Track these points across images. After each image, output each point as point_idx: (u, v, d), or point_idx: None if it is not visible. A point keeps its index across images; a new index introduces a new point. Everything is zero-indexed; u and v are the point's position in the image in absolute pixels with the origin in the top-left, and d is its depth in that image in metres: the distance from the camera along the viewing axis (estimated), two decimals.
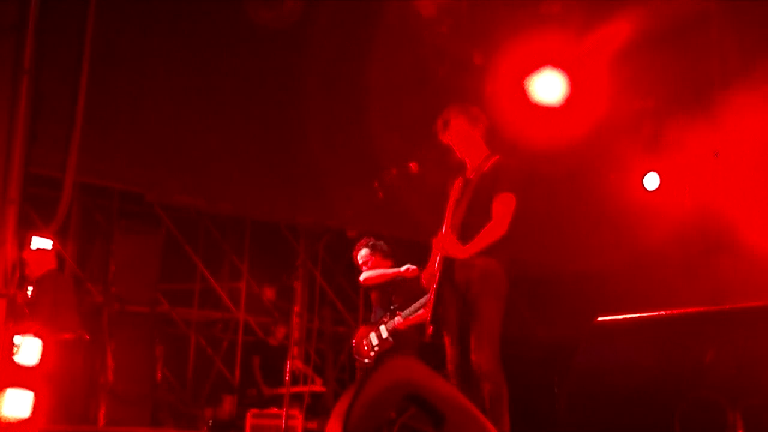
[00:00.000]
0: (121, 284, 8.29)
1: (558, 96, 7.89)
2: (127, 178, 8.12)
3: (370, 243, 6.55)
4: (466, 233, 4.57)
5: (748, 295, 5.35)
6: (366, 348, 6.33)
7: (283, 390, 7.09)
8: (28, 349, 4.03)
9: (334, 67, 8.19)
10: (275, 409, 7.30)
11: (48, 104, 3.94)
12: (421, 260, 4.90)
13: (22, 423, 3.90)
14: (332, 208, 8.43)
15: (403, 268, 6.35)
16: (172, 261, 9.14)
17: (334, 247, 6.60)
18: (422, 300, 6.01)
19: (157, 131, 7.85)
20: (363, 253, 6.52)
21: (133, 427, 7.53)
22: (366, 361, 6.34)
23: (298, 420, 7.14)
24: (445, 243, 4.56)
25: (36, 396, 3.97)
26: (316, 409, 8.26)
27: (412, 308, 6.14)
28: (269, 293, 10.21)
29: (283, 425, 5.75)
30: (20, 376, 3.96)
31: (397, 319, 6.17)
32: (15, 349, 3.99)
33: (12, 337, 3.92)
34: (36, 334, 4.07)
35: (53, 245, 6.78)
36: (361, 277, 6.58)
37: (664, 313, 4.04)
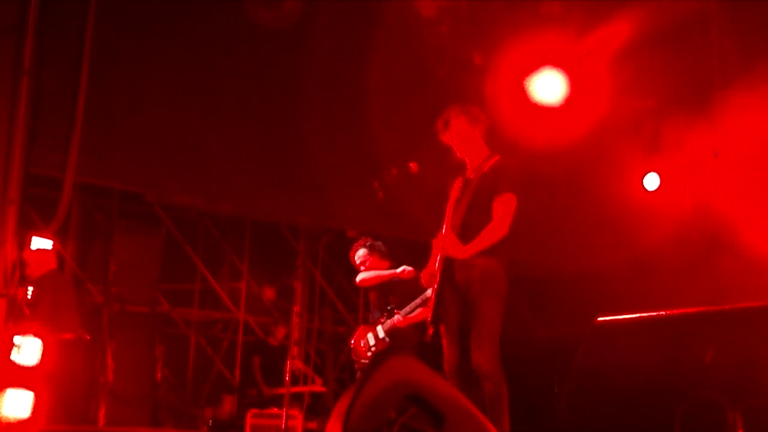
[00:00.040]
0: (121, 284, 8.29)
1: (558, 96, 7.89)
2: (127, 178, 8.12)
3: (368, 243, 6.55)
4: (466, 233, 4.57)
5: (748, 295, 5.35)
6: (363, 348, 6.33)
7: (283, 390, 7.09)
8: (28, 349, 4.03)
9: (334, 67, 8.19)
10: (275, 409, 7.30)
11: (48, 104, 3.94)
12: (421, 260, 4.90)
13: (22, 423, 3.90)
14: (332, 208, 8.44)
15: (399, 270, 6.35)
16: (172, 261, 9.14)
17: (334, 247, 6.61)
18: (421, 298, 6.01)
19: (157, 131, 7.85)
20: (360, 254, 6.52)
21: (133, 427, 7.52)
22: (363, 361, 6.34)
23: (298, 420, 7.14)
24: (445, 243, 4.56)
25: (36, 396, 3.97)
26: (316, 409, 8.27)
27: (410, 306, 6.13)
28: (269, 293, 10.21)
29: (283, 425, 5.75)
30: (20, 376, 3.96)
31: (396, 318, 6.17)
32: (15, 349, 4.00)
33: (12, 337, 3.93)
34: (36, 334, 4.07)
35: (53, 245, 6.78)
36: (358, 278, 6.58)
37: (664, 313, 4.04)
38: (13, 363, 3.96)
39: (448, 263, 4.60)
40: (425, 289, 5.93)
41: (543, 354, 8.30)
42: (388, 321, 6.23)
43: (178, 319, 9.63)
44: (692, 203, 8.02)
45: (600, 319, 4.22)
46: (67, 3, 4.08)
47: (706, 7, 7.40)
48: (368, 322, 6.57)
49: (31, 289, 6.37)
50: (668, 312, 4.02)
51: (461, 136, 4.78)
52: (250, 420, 7.16)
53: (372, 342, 6.28)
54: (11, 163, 3.75)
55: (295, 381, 8.41)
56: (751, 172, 7.42)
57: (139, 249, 8.57)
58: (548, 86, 7.88)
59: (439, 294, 4.60)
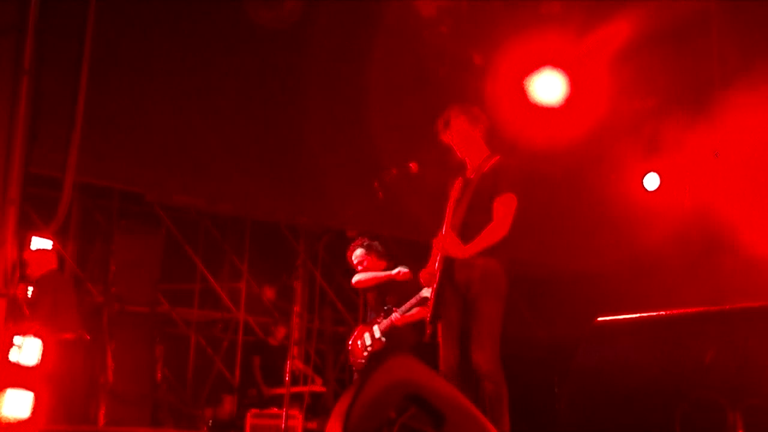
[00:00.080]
0: (121, 284, 8.29)
1: (558, 96, 7.89)
2: (127, 178, 8.12)
3: (365, 243, 6.53)
4: (466, 233, 4.57)
5: (748, 295, 5.35)
6: (360, 349, 6.33)
7: (283, 390, 7.09)
8: (28, 349, 4.03)
9: (334, 68, 8.19)
10: (275, 409, 7.30)
11: (48, 104, 3.94)
12: (421, 260, 4.90)
13: (22, 423, 3.90)
14: (332, 208, 8.44)
15: (394, 271, 6.34)
16: (172, 261, 9.14)
17: (334, 247, 6.61)
18: (417, 297, 6.01)
19: (157, 131, 7.85)
20: (358, 253, 6.51)
21: (133, 427, 7.52)
22: (360, 361, 6.34)
23: (298, 420, 7.14)
24: (445, 243, 4.56)
25: (36, 396, 3.97)
26: (316, 409, 8.27)
27: (408, 305, 6.13)
28: (269, 293, 10.21)
29: (283, 425, 5.75)
30: (20, 376, 3.96)
31: (394, 316, 6.16)
32: (15, 348, 4.00)
33: (12, 337, 3.93)
34: (36, 334, 4.07)
35: (53, 245, 6.78)
36: (353, 280, 6.58)
37: (664, 313, 4.04)
38: (13, 363, 3.96)
39: (448, 263, 4.60)
40: (423, 290, 5.95)
41: (543, 354, 8.30)
42: (385, 321, 6.22)
43: (178, 319, 9.64)
44: (692, 203, 8.01)
45: (600, 319, 4.21)
46: (67, 3, 4.07)
47: (706, 7, 7.40)
48: (366, 322, 6.57)
49: (31, 289, 6.37)
50: (668, 312, 4.02)
51: (461, 136, 4.78)
52: (250, 420, 7.16)
53: (368, 342, 6.28)
54: (11, 163, 3.75)
55: (295, 381, 8.41)
56: (751, 172, 7.42)
57: (139, 249, 8.56)
58: (548, 86, 7.88)
59: (438, 294, 4.60)
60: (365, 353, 6.27)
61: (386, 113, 8.16)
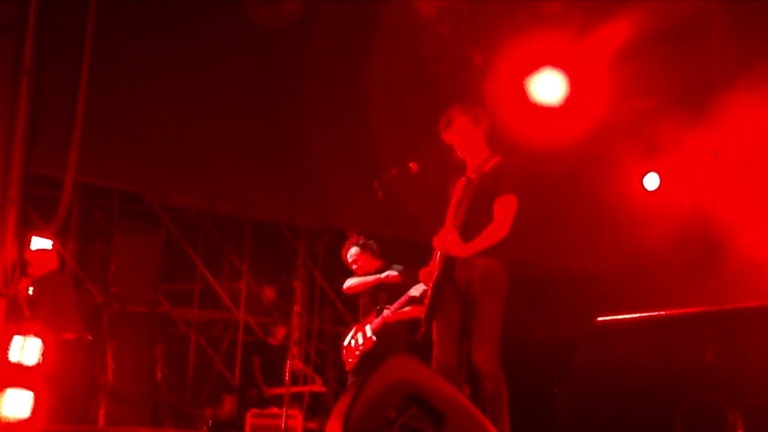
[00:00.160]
0: (121, 284, 8.29)
1: (558, 96, 7.89)
2: (127, 178, 8.13)
3: (361, 242, 6.52)
4: (466, 233, 4.57)
5: (748, 295, 5.35)
6: (353, 348, 6.34)
7: (283, 390, 7.09)
8: (28, 349, 4.03)
9: (334, 67, 8.20)
10: (275, 409, 7.31)
11: (48, 104, 3.94)
12: (421, 260, 4.90)
13: (22, 423, 3.89)
14: (332, 208, 8.44)
15: (383, 275, 6.34)
16: (172, 261, 9.13)
17: (334, 247, 6.60)
18: (407, 295, 6.01)
19: (157, 131, 7.86)
20: (352, 252, 6.49)
21: (133, 427, 7.52)
22: (350, 360, 6.34)
23: (298, 420, 7.15)
24: (446, 241, 4.56)
25: (36, 396, 3.97)
26: (316, 409, 8.27)
27: (397, 303, 6.13)
28: (269, 293, 10.20)
29: (283, 425, 5.75)
30: (20, 376, 3.96)
31: (386, 313, 6.17)
32: (15, 349, 4.00)
33: (12, 337, 3.93)
34: (36, 334, 4.07)
35: (53, 245, 6.78)
36: (344, 286, 6.58)
37: (664, 313, 4.04)
38: (13, 363, 3.96)
39: (449, 262, 4.60)
40: (411, 288, 5.97)
41: (543, 354, 8.31)
42: (377, 319, 6.23)
43: (178, 319, 9.63)
44: (692, 203, 8.02)
45: (600, 319, 4.21)
46: (67, 3, 4.08)
47: (706, 7, 7.40)
48: (360, 322, 6.58)
49: (31, 288, 6.37)
50: (668, 312, 4.02)
51: (463, 136, 4.78)
52: (250, 420, 7.16)
53: (360, 341, 6.28)
54: (11, 163, 3.75)
55: (295, 381, 8.41)
56: (751, 172, 7.42)
57: (139, 249, 8.56)
58: (548, 86, 7.88)
59: (435, 292, 4.60)
60: (357, 353, 6.28)
61: (386, 113, 8.16)
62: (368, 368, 2.82)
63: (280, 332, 8.87)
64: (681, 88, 8.00)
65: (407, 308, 6.12)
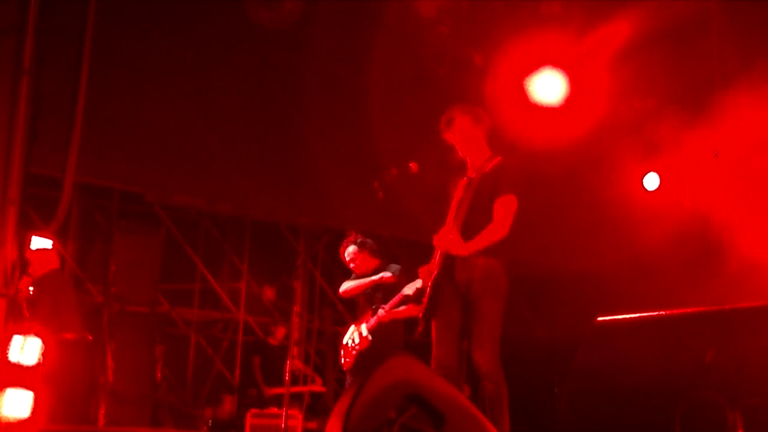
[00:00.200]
0: (121, 284, 8.29)
1: (558, 96, 7.89)
2: (127, 178, 8.13)
3: (358, 240, 6.51)
4: (467, 233, 4.57)
5: (748, 295, 5.35)
6: (350, 348, 6.35)
7: (283, 390, 7.09)
8: (28, 349, 4.03)
9: (334, 67, 8.20)
10: (275, 409, 7.31)
11: (48, 104, 3.94)
12: (421, 260, 4.90)
13: (22, 423, 3.89)
14: (332, 208, 8.44)
15: (377, 277, 6.34)
16: (172, 261, 9.13)
17: (334, 247, 6.60)
18: (401, 294, 6.02)
19: (157, 131, 7.86)
20: (350, 250, 6.49)
21: (133, 427, 7.52)
22: (346, 360, 6.34)
23: (298, 420, 7.15)
24: (446, 240, 4.56)
25: (36, 396, 3.96)
26: (316, 409, 8.27)
27: (392, 302, 6.14)
28: (269, 293, 10.20)
29: (283, 425, 5.75)
30: (20, 376, 3.96)
31: (380, 312, 6.17)
32: (15, 348, 3.99)
33: (12, 337, 3.93)
34: (36, 334, 4.07)
35: (53, 245, 6.78)
36: (340, 290, 6.58)
37: (664, 313, 4.04)
38: (13, 363, 3.96)
39: (449, 262, 4.60)
40: (405, 287, 5.98)
41: (543, 354, 8.31)
42: (372, 319, 6.23)
43: (178, 319, 9.63)
44: (692, 203, 8.02)
45: (600, 319, 4.21)
46: (67, 3, 4.08)
47: (706, 7, 7.40)
48: (357, 321, 6.58)
49: (32, 288, 6.37)
50: (668, 312, 4.02)
51: (464, 136, 4.78)
52: (250, 420, 7.16)
53: (357, 341, 6.29)
54: (11, 163, 3.75)
55: (295, 381, 8.41)
56: (750, 172, 7.42)
57: (139, 249, 8.56)
58: (548, 86, 7.88)
59: (435, 291, 4.60)
60: (353, 352, 6.29)
61: (386, 113, 8.17)
62: (367, 368, 2.82)
63: (280, 332, 8.87)
64: (681, 88, 8.00)
65: (402, 307, 6.12)
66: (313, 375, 8.79)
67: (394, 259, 6.77)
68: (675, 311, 4.01)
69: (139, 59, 7.53)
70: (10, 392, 3.91)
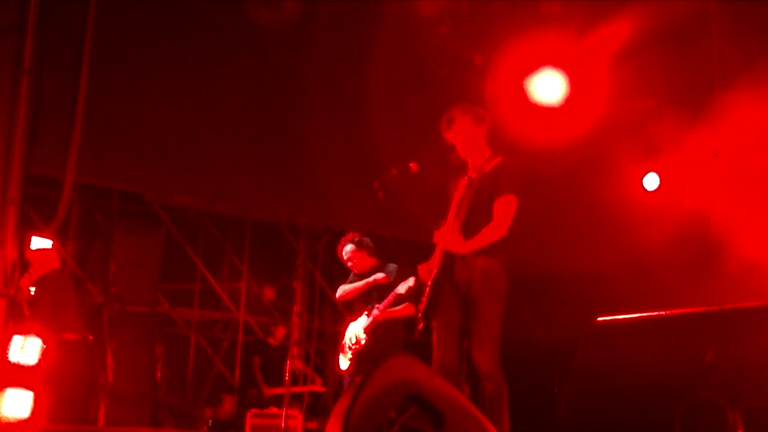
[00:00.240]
0: (121, 284, 8.28)
1: (558, 96, 7.89)
2: (127, 178, 8.13)
3: (356, 239, 6.52)
4: (467, 232, 4.57)
5: (748, 295, 5.35)
6: (347, 348, 6.35)
7: (283, 390, 7.09)
8: (28, 349, 4.03)
9: (334, 67, 8.20)
10: (275, 409, 7.31)
11: (48, 104, 3.94)
12: (421, 260, 4.90)
13: (22, 423, 3.89)
14: (332, 208, 8.44)
15: (371, 278, 6.35)
16: (172, 261, 9.13)
17: (334, 247, 6.60)
18: (395, 293, 6.02)
19: (157, 131, 7.86)
20: (348, 249, 6.50)
21: (133, 427, 7.52)
22: (345, 359, 6.34)
23: (298, 420, 7.15)
24: (447, 237, 4.56)
25: (36, 396, 3.96)
26: (316, 409, 8.27)
27: (386, 302, 6.14)
28: (269, 293, 10.20)
29: (283, 425, 5.75)
30: (20, 376, 3.96)
31: (375, 312, 6.17)
32: (15, 348, 3.99)
33: (12, 337, 3.93)
34: (36, 334, 4.07)
35: (53, 245, 6.78)
36: (337, 295, 6.59)
37: (664, 313, 4.04)
38: (13, 363, 3.96)
39: (449, 262, 4.60)
40: (398, 287, 5.98)
41: (543, 354, 8.31)
42: (368, 319, 6.23)
43: (178, 319, 9.63)
44: (692, 203, 8.02)
45: (600, 319, 4.22)
46: (67, 3, 4.08)
47: (706, 7, 7.40)
48: (353, 320, 6.59)
49: (32, 288, 6.37)
50: (668, 312, 4.02)
51: (464, 135, 4.78)
52: (250, 420, 7.16)
53: (353, 341, 6.29)
54: (11, 163, 3.75)
55: (295, 381, 8.41)
56: (750, 172, 7.42)
57: (139, 249, 8.55)
58: (548, 86, 7.88)
59: (434, 291, 4.60)
60: (350, 352, 6.30)
61: (386, 113, 8.17)
62: (365, 368, 2.82)
63: (280, 332, 8.87)
64: (681, 88, 8.00)
65: (399, 307, 6.14)
66: (313, 375, 8.79)
67: (394, 259, 6.78)
68: (675, 311, 4.01)
69: (139, 59, 7.53)
70: (10, 392, 3.91)
